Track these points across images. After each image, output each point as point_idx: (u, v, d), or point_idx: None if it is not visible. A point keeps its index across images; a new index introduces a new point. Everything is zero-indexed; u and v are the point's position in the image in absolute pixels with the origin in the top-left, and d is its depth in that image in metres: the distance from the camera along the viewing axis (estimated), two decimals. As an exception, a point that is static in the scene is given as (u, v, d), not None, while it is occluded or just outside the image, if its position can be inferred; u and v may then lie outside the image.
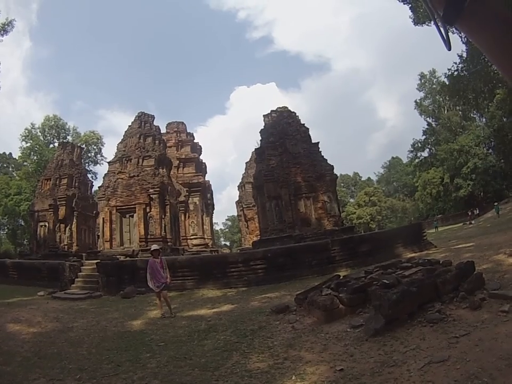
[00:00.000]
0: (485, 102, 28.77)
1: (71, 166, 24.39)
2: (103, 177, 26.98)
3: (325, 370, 3.84)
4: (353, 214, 60.70)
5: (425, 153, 57.31)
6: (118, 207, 18.90)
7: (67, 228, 22.75)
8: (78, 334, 6.70)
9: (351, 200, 72.96)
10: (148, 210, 18.73)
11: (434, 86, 52.38)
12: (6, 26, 20.04)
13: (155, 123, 22.52)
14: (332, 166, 18.19)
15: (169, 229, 19.34)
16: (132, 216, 18.90)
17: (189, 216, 28.15)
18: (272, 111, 20.44)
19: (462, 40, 18.44)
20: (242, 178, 37.05)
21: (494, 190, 44.97)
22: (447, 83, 26.71)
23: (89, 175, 35.12)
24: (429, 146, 55.87)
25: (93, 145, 48.48)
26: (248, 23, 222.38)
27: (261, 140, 19.82)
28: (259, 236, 20.64)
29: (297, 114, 20.39)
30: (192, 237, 27.92)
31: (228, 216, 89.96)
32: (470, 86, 22.88)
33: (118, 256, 15.61)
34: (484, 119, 45.77)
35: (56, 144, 38.58)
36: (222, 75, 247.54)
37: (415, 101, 55.51)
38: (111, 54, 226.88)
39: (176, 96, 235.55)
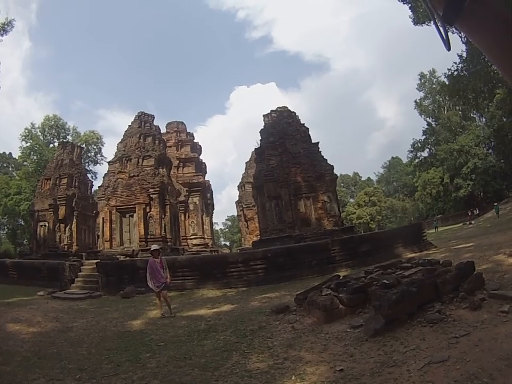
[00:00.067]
0: (485, 102, 28.78)
1: (71, 165, 24.40)
2: (103, 177, 27.02)
3: (324, 370, 3.84)
4: (353, 214, 60.71)
5: (425, 153, 57.41)
6: (118, 207, 18.90)
7: (67, 228, 22.76)
8: (77, 334, 6.70)
9: (351, 200, 72.98)
10: (147, 210, 18.73)
11: (434, 86, 52.39)
12: (6, 26, 20.05)
13: (155, 123, 22.54)
14: (332, 166, 18.20)
15: (169, 229, 19.34)
16: (132, 216, 18.90)
17: (188, 216, 28.16)
18: (272, 111, 20.45)
19: (462, 40, 18.44)
20: (242, 178, 37.07)
21: (494, 190, 44.99)
22: (447, 83, 26.70)
23: (89, 175, 35.14)
24: (429, 146, 55.87)
25: (92, 145, 48.52)
26: (247, 22, 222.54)
27: (260, 140, 19.83)
28: (259, 236, 20.64)
29: (297, 114, 20.40)
30: (192, 237, 27.93)
31: (227, 216, 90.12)
32: (470, 86, 22.88)
33: (118, 256, 15.61)
34: (484, 119, 45.80)
35: (56, 144, 38.60)
36: (222, 75, 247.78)
37: (415, 101, 55.60)
38: (111, 54, 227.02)
39: (176, 96, 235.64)
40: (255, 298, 9.04)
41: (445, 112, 51.33)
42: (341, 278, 7.03)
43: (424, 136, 55.74)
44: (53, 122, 47.18)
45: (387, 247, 13.66)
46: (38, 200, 23.30)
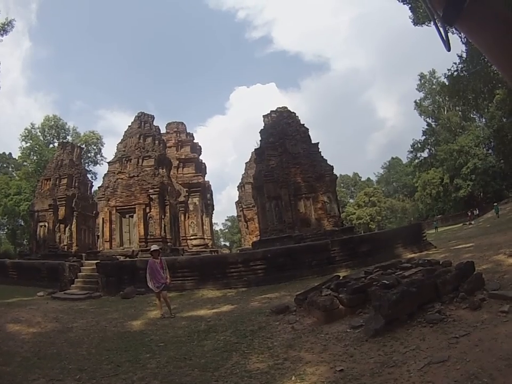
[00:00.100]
0: (485, 103, 28.77)
1: (71, 166, 24.39)
2: (103, 177, 27.04)
3: (324, 370, 3.84)
4: (353, 215, 60.70)
5: (425, 154, 57.46)
6: (117, 207, 18.90)
7: (67, 228, 22.75)
8: (77, 334, 6.70)
9: (351, 200, 72.97)
10: (147, 210, 18.73)
11: (434, 87, 52.42)
12: (6, 26, 20.06)
13: (155, 123, 22.55)
14: (332, 166, 18.20)
15: (169, 229, 19.34)
16: (132, 217, 18.90)
17: (188, 217, 28.15)
18: (271, 111, 20.46)
19: (462, 40, 18.43)
20: (242, 179, 37.06)
21: (493, 191, 45.00)
22: (447, 83, 26.71)
23: (89, 175, 35.11)
24: (429, 146, 55.91)
25: (92, 145, 48.52)
26: (247, 23, 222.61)
27: (260, 140, 19.83)
28: (259, 236, 20.64)
29: (297, 115, 20.40)
30: (191, 237, 27.92)
31: (227, 217, 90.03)
32: (469, 87, 22.89)
33: (117, 257, 15.62)
34: (484, 120, 45.82)
35: (56, 144, 38.63)
36: (222, 75, 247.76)
37: (415, 101, 55.63)
38: (111, 54, 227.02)
39: (176, 96, 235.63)
40: (255, 299, 9.04)
41: (445, 112, 51.36)
42: (341, 278, 7.03)
43: (424, 137, 55.82)
44: (52, 123, 47.19)
45: (387, 248, 13.66)
46: (37, 201, 23.29)
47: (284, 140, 18.23)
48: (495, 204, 32.74)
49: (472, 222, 34.31)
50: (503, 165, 42.46)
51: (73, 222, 23.03)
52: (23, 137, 45.25)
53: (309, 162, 17.86)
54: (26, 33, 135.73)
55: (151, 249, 8.74)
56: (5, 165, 53.64)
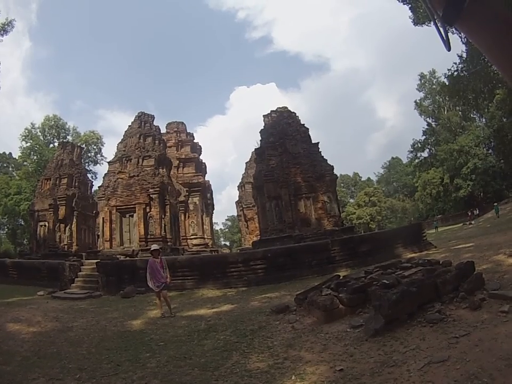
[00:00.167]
0: (485, 102, 28.74)
1: (71, 165, 24.40)
2: (103, 177, 27.06)
3: (324, 370, 3.84)
4: (353, 214, 60.70)
5: (425, 154, 57.47)
6: (118, 207, 18.90)
7: (67, 228, 22.76)
8: (77, 333, 6.70)
9: (351, 200, 72.98)
10: (147, 210, 18.73)
11: (434, 86, 52.39)
12: (6, 26, 20.04)
13: (155, 123, 22.54)
14: (332, 166, 18.20)
15: (169, 229, 19.34)
16: (132, 216, 18.90)
17: (188, 216, 28.15)
18: (272, 111, 20.45)
19: (462, 40, 18.41)
20: (242, 178, 37.08)
21: (493, 191, 44.99)
22: (447, 83, 26.66)
23: (89, 175, 35.15)
24: (429, 146, 55.90)
25: (92, 145, 48.53)
26: (247, 23, 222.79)
27: (260, 140, 19.83)
28: (259, 236, 20.64)
29: (297, 115, 20.40)
30: (192, 237, 27.93)
31: (227, 216, 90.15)
32: (470, 86, 22.86)
33: (118, 256, 15.60)
34: (484, 120, 45.79)
35: (56, 144, 38.59)
36: (222, 75, 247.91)
37: (415, 101, 55.62)
38: (111, 54, 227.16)
39: (176, 96, 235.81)
40: (255, 298, 9.04)
41: (445, 112, 51.33)
42: (341, 278, 7.03)
43: (424, 137, 55.81)
44: (53, 123, 47.19)
45: (387, 247, 13.66)
46: (38, 200, 23.30)
47: (284, 140, 18.23)
48: (495, 204, 32.73)
49: (472, 222, 34.30)
50: (503, 164, 42.45)
51: (74, 222, 23.04)
52: (23, 137, 45.28)
53: (309, 162, 17.85)
54: (27, 33, 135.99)
55: (151, 249, 8.75)
56: (5, 165, 53.66)
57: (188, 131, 33.04)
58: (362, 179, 79.78)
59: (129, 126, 22.40)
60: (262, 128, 19.90)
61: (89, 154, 48.05)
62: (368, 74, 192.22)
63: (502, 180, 44.78)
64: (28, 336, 6.44)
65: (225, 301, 9.22)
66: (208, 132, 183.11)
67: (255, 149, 21.83)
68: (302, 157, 17.95)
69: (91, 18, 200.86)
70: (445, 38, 0.73)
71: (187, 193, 27.97)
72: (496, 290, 5.06)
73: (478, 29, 0.70)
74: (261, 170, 18.14)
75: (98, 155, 49.41)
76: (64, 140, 40.62)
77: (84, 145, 41.73)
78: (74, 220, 23.06)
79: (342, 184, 71.11)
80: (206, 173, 32.81)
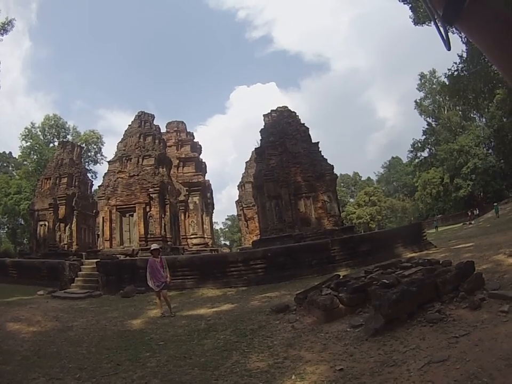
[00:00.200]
0: (485, 102, 28.75)
1: (71, 165, 24.40)
2: (103, 177, 27.06)
3: (324, 369, 3.84)
4: (353, 214, 60.70)
5: (425, 153, 57.48)
6: (118, 206, 18.90)
7: (67, 227, 22.76)
8: (77, 333, 6.70)
9: (351, 200, 72.97)
10: (147, 209, 18.73)
11: (434, 86, 52.37)
12: (6, 25, 20.05)
13: (155, 122, 22.54)
14: (332, 165, 18.20)
15: (169, 228, 19.34)
16: (132, 216, 18.90)
17: (188, 216, 28.15)
18: (272, 110, 20.45)
19: (462, 40, 18.41)
20: (242, 178, 37.06)
21: (493, 190, 44.98)
22: (447, 83, 26.67)
23: (89, 174, 35.12)
24: (429, 146, 55.90)
25: (92, 145, 48.51)
26: (247, 22, 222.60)
27: (261, 140, 19.83)
28: (259, 236, 20.64)
29: (297, 114, 20.40)
30: (192, 236, 27.93)
31: (227, 216, 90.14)
32: (470, 86, 22.86)
33: (118, 256, 15.60)
34: (484, 119, 45.78)
35: (56, 144, 38.55)
36: (222, 74, 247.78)
37: (415, 101, 55.60)
38: (111, 54, 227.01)
39: (176, 95, 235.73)
40: (255, 298, 9.04)
41: (445, 112, 51.31)
42: (341, 277, 7.03)
43: (424, 136, 55.82)
44: (53, 122, 47.17)
45: (387, 247, 13.67)
46: (38, 200, 23.30)
47: (284, 139, 18.23)
48: (495, 204, 32.73)
49: (472, 222, 34.30)
50: (503, 164, 42.45)
51: (74, 221, 23.04)
52: (23, 137, 45.25)
53: (309, 161, 17.85)
54: (27, 33, 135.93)
55: (151, 248, 8.74)
56: (5, 164, 53.68)
57: (188, 130, 33.03)
58: (362, 179, 79.78)
59: (129, 125, 22.39)
60: (262, 127, 19.89)
61: (89, 154, 48.05)
62: (368, 74, 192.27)
63: (502, 180, 44.77)
64: (27, 335, 6.44)
65: (225, 301, 9.22)
66: (208, 131, 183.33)
67: (255, 148, 21.84)
68: (302, 157, 17.95)
69: (91, 18, 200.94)
70: (445, 38, 0.73)
71: (187, 193, 27.97)
72: (496, 290, 5.06)
73: (478, 29, 0.70)
74: (261, 170, 18.14)
75: (98, 154, 49.49)
76: (64, 139, 40.55)
77: (84, 145, 41.71)
78: (74, 219, 23.07)
79: (342, 184, 71.11)
80: (206, 172, 32.81)
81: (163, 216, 19.07)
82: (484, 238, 13.96)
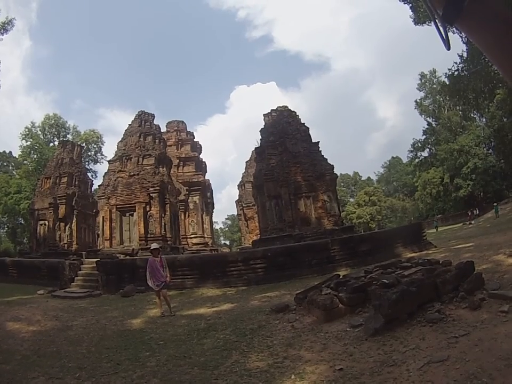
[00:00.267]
0: (485, 102, 28.75)
1: (71, 164, 24.40)
2: (103, 176, 27.05)
3: (324, 369, 3.84)
4: (353, 214, 60.69)
5: (425, 153, 57.46)
6: (118, 206, 18.90)
7: (67, 227, 22.76)
8: (77, 332, 6.70)
9: (351, 199, 72.98)
10: (147, 209, 18.73)
11: (434, 86, 52.35)
12: (6, 25, 20.00)
13: (155, 122, 22.55)
14: (332, 165, 18.19)
15: (169, 228, 19.34)
16: (132, 215, 18.90)
17: (188, 215, 28.16)
18: (272, 110, 20.44)
19: (462, 40, 18.42)
20: (242, 178, 37.05)
21: (494, 190, 44.96)
22: (447, 83, 26.67)
23: (89, 174, 35.16)
24: (429, 146, 55.87)
25: (93, 144, 48.51)
26: (248, 22, 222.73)
27: (261, 139, 19.82)
28: (259, 235, 20.64)
29: (297, 114, 20.39)
30: (192, 236, 27.94)
31: (227, 215, 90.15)
32: (470, 86, 22.84)
33: (117, 255, 15.60)
34: (484, 119, 45.78)
35: (56, 143, 38.57)
36: (222, 74, 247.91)
37: (415, 101, 55.57)
38: (111, 53, 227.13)
39: (176, 95, 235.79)
40: (254, 298, 9.04)
41: (445, 112, 51.28)
42: (341, 277, 7.03)
43: (424, 136, 55.79)
44: (53, 121, 47.16)
45: (387, 247, 13.67)
46: (38, 199, 23.30)
47: (284, 139, 18.22)
48: (495, 204, 32.72)
49: (472, 222, 34.29)
50: (503, 164, 42.44)
51: (74, 221, 23.04)
52: (24, 136, 45.24)
53: (309, 161, 17.84)
54: (27, 32, 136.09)
55: (151, 248, 8.74)
56: (5, 164, 53.68)
57: (188, 130, 33.03)
58: (362, 178, 79.79)
59: (129, 125, 22.39)
60: (262, 127, 19.88)
61: (89, 153, 48.04)
62: (368, 74, 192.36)
63: (502, 180, 44.76)
64: (27, 335, 6.44)
65: (225, 300, 9.22)
66: (208, 131, 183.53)
67: (255, 148, 21.82)
68: (302, 156, 17.94)
69: (91, 18, 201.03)
70: (444, 38, 0.73)
71: (187, 192, 27.97)
72: (496, 290, 5.06)
73: (478, 28, 0.70)
74: (261, 169, 18.13)
75: (99, 154, 49.47)
76: (64, 139, 40.52)
77: (84, 144, 41.70)
78: (74, 218, 23.07)
79: (342, 184, 71.11)
80: (206, 172, 32.81)
81: (163, 215, 19.07)
82: (483, 238, 13.96)
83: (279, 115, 19.85)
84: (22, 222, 45.84)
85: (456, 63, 22.85)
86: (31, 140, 45.21)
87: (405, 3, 19.30)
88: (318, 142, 18.94)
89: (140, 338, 6.12)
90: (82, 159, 32.13)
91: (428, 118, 55.02)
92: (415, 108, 55.91)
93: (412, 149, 58.94)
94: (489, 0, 0.66)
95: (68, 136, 47.32)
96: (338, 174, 21.10)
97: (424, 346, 3.88)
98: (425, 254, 11.90)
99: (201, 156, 32.85)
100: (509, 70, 0.71)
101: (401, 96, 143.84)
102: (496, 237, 12.76)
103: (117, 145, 24.26)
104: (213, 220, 35.03)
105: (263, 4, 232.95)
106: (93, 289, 12.19)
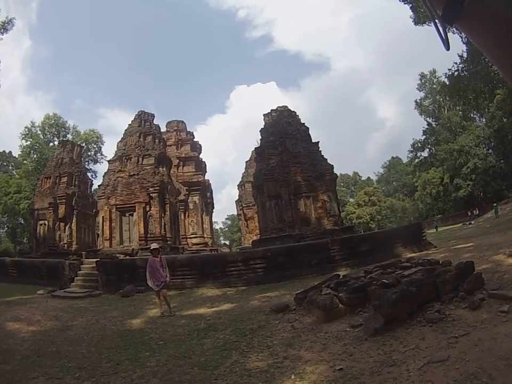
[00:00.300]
0: (485, 102, 28.73)
1: (71, 164, 24.39)
2: (103, 176, 27.05)
3: (324, 369, 3.84)
4: (353, 214, 60.68)
5: (425, 153, 57.45)
6: (117, 206, 18.90)
7: (67, 227, 22.75)
8: (77, 332, 6.70)
9: (351, 199, 72.98)
10: (147, 209, 18.73)
11: (434, 86, 52.33)
12: (6, 24, 19.96)
13: (155, 122, 22.56)
14: (332, 165, 18.19)
15: (168, 228, 19.34)
16: (132, 215, 18.90)
17: (188, 215, 28.15)
18: (272, 110, 20.44)
19: (462, 40, 18.40)
20: (242, 178, 37.04)
21: (493, 191, 44.96)
22: (447, 83, 26.65)
23: (89, 174, 35.15)
24: (429, 146, 55.86)
25: (92, 144, 48.50)
26: (248, 22, 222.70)
27: (261, 139, 19.82)
28: (259, 235, 20.64)
29: (297, 114, 20.39)
30: (191, 236, 27.93)
31: (227, 215, 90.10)
32: (470, 86, 22.83)
33: (117, 255, 15.60)
34: (484, 119, 45.78)
35: (56, 143, 38.53)
36: (222, 74, 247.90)
37: (415, 101, 55.56)
38: (111, 53, 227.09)
39: (176, 95, 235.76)
40: (254, 298, 9.04)
41: (445, 112, 51.27)
42: (341, 277, 7.04)
43: (424, 136, 55.78)
44: (53, 121, 47.15)
45: (387, 247, 13.67)
46: (38, 199, 23.29)
47: (284, 139, 18.22)
48: (495, 204, 32.71)
49: (472, 222, 34.28)
50: (503, 165, 42.44)
51: (73, 221, 23.03)
52: (23, 136, 45.22)
53: (309, 161, 17.84)
54: (27, 32, 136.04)
55: (151, 248, 8.74)
56: (5, 163, 53.68)
57: (188, 130, 33.02)
58: (362, 178, 79.78)
59: (129, 124, 22.39)
60: (262, 127, 19.89)
61: (89, 153, 48.04)
62: (368, 74, 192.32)
63: (502, 180, 44.75)
64: (27, 335, 6.44)
65: (224, 300, 9.22)
66: (208, 131, 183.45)
67: (255, 148, 21.82)
68: (302, 156, 17.94)
69: (91, 18, 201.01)
70: (444, 38, 0.73)
71: (187, 192, 27.97)
72: (495, 290, 5.06)
73: (478, 29, 0.70)
74: (261, 169, 18.13)
75: (98, 154, 49.47)
76: (64, 139, 40.50)
77: (83, 144, 41.71)
78: (74, 218, 23.06)
79: (342, 184, 71.11)
80: (206, 172, 32.81)
81: (163, 215, 19.07)
82: (483, 238, 13.96)
83: (279, 115, 19.85)
84: (22, 222, 45.83)
85: (456, 63, 22.85)
86: (31, 139, 45.20)
87: (405, 3, 19.31)
88: (318, 142, 18.95)
89: (140, 338, 6.12)
90: (82, 159, 32.14)
91: (428, 118, 55.05)
92: (415, 108, 55.98)
93: (412, 149, 58.99)
94: (489, 0, 0.66)
95: (67, 136, 47.32)
96: (338, 174, 21.11)
97: (424, 346, 3.89)
98: (425, 254, 11.90)
99: (201, 156, 32.87)
100: (509, 70, 0.71)
101: (401, 96, 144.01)
102: (496, 237, 12.76)
103: (117, 145, 24.24)
104: (213, 220, 35.11)
105: (263, 3, 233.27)
106: (92, 289, 12.19)
